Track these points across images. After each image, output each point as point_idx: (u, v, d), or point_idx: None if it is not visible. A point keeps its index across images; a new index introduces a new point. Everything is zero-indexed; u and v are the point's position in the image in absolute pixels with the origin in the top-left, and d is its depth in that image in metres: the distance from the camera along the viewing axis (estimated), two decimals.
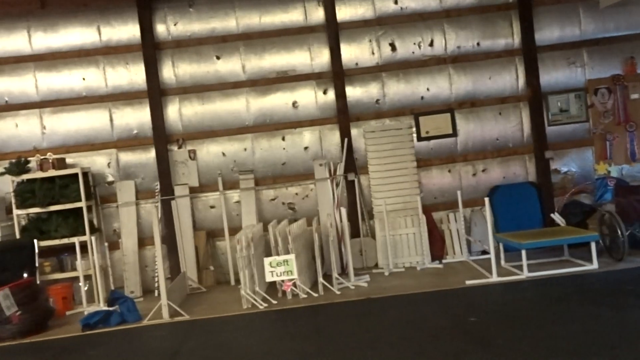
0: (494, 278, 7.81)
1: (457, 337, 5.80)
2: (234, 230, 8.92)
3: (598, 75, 9.53)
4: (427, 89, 9.65)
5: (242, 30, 9.56)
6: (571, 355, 5.06)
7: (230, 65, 9.56)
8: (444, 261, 9.20)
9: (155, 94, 9.39)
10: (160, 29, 9.52)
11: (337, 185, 9.47)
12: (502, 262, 8.47)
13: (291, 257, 6.67)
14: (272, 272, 6.67)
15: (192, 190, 9.46)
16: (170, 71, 9.54)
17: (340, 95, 9.51)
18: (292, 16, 9.59)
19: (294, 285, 7.68)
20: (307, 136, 9.64)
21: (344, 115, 9.52)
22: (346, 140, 9.45)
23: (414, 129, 9.58)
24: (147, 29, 9.40)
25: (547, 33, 9.59)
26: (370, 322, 6.63)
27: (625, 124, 9.42)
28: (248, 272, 7.69)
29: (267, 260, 6.98)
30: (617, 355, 4.93)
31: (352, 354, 5.67)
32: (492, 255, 7.93)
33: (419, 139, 9.63)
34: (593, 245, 7.82)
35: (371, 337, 6.10)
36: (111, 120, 9.54)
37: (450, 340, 5.75)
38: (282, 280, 7.50)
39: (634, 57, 9.48)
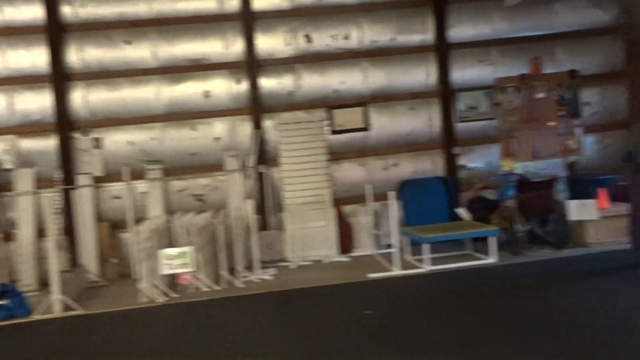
0: (397, 271, 7.88)
1: (350, 330, 5.81)
2: (140, 222, 8.66)
3: (507, 73, 9.74)
4: (342, 82, 9.64)
5: (154, 15, 9.28)
6: (459, 347, 5.13)
7: (140, 52, 9.28)
8: (352, 254, 9.24)
9: (59, 78, 9.03)
10: (67, 10, 9.14)
11: (248, 177, 9.35)
12: (407, 255, 8.57)
13: (189, 249, 6.52)
14: (168, 264, 6.51)
15: (97, 180, 9.15)
16: (76, 55, 9.18)
17: (254, 85, 9.39)
18: (207, 3, 9.39)
19: (196, 278, 7.53)
20: (219, 127, 9.48)
21: (256, 107, 9.40)
22: (258, 132, 9.34)
23: (328, 122, 9.56)
24: (52, 10, 9.01)
25: (460, 30, 9.75)
26: (268, 316, 6.57)
27: (531, 122, 9.66)
28: (148, 265, 7.49)
29: (162, 252, 6.80)
30: (505, 345, 5.03)
31: (246, 348, 5.59)
32: (395, 249, 8.01)
33: (332, 132, 9.62)
34: (492, 240, 8.01)
35: (266, 330, 6.04)
36: (10, 104, 9.10)
37: (341, 333, 5.75)
38: (181, 273, 7.34)
39: (539, 58, 9.74)
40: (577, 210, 7.29)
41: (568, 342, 5.00)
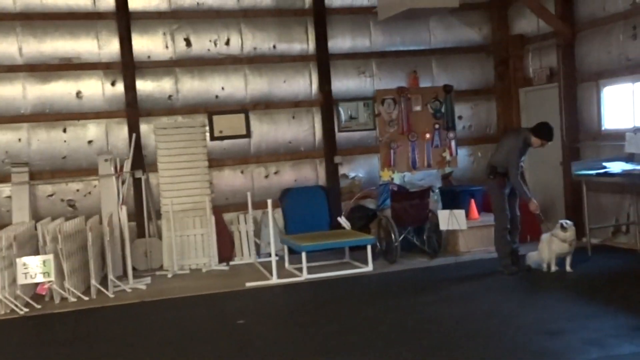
0: (274, 280, 7.84)
1: (219, 340, 5.70)
2: (3, 228, 8.09)
3: (385, 86, 9.99)
4: (222, 88, 9.50)
5: (20, 9, 8.72)
6: (324, 353, 5.16)
7: (4, 47, 8.69)
8: (231, 263, 9.10)
9: None
10: None
11: (123, 182, 8.98)
12: (287, 264, 8.56)
13: (49, 257, 6.15)
14: (26, 273, 6.10)
15: None
16: None
17: (130, 87, 9.04)
18: (79, 0, 8.95)
19: (61, 287, 7.12)
20: (92, 129, 9.05)
21: (133, 110, 9.06)
22: (134, 135, 9.00)
23: (207, 128, 9.38)
24: None
25: (340, 42, 9.88)
26: (135, 327, 6.32)
27: (408, 134, 9.97)
28: (8, 274, 6.98)
29: (20, 261, 6.37)
30: (367, 351, 5.10)
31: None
32: (273, 257, 7.97)
33: (212, 138, 9.44)
34: (369, 248, 8.16)
35: (130, 341, 5.81)
36: None
37: (209, 343, 5.63)
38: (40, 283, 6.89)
39: (416, 72, 10.08)
40: (447, 220, 7.56)
41: (428, 349, 5.15)
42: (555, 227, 7.23)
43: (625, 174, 7.50)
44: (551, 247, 7.25)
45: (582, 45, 8.96)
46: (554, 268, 7.28)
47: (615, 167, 7.73)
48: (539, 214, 7.51)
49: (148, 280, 8.26)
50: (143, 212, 9.07)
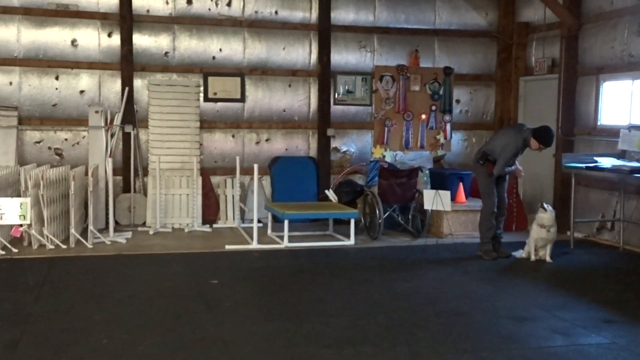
0: (254, 245, 7.82)
1: (188, 298, 5.69)
2: None
3: (385, 62, 9.88)
4: (220, 50, 9.39)
5: None
6: (291, 318, 5.15)
7: None
8: (215, 226, 9.08)
9: None
10: None
11: (113, 136, 8.93)
12: (269, 231, 8.53)
13: (26, 200, 6.09)
14: (1, 215, 6.04)
15: None
16: None
17: (127, 41, 8.93)
18: None
19: (41, 234, 7.09)
20: (85, 79, 8.96)
21: (127, 63, 8.96)
22: (127, 89, 8.92)
23: (202, 89, 9.30)
24: None
25: (343, 14, 9.76)
26: (107, 278, 6.29)
27: (404, 113, 9.89)
28: None
29: None
30: (331, 320, 5.08)
31: (72, 308, 5.32)
32: (255, 223, 7.94)
33: (206, 99, 9.37)
34: (352, 222, 8.13)
35: (99, 292, 5.78)
36: None
37: (178, 300, 5.61)
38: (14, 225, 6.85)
39: (418, 51, 9.96)
40: (432, 199, 7.50)
41: (396, 323, 5.14)
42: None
43: (614, 170, 7.44)
44: (531, 234, 7.23)
45: (586, 38, 8.84)
46: (533, 257, 7.26)
47: (606, 162, 7.66)
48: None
49: (129, 235, 8.24)
50: (130, 167, 9.03)
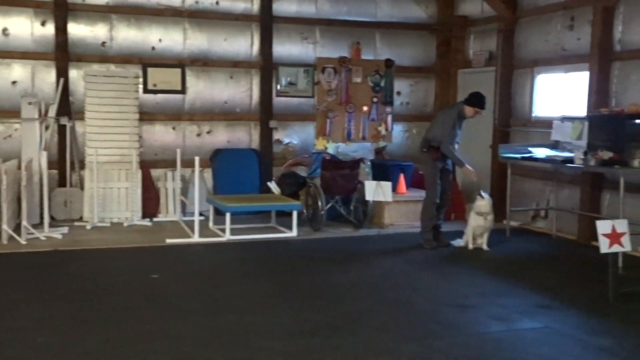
0: (196, 238, 7.73)
1: (129, 293, 5.58)
2: None
3: (327, 54, 9.90)
4: (160, 40, 9.21)
5: None
6: (231, 312, 5.11)
7: None
8: (155, 219, 8.93)
9: None
10: None
11: (47, 128, 8.64)
12: (211, 224, 8.45)
13: None
14: None
15: None
16: None
17: (61, 30, 8.65)
18: None
19: None
20: (17, 69, 8.64)
21: (62, 53, 8.69)
22: (62, 80, 8.65)
23: (141, 80, 9.10)
24: None
25: (286, 5, 9.72)
26: (43, 275, 6.11)
27: (346, 105, 9.94)
28: None
29: None
30: (273, 313, 5.08)
31: (10, 306, 5.14)
32: (196, 216, 7.86)
33: (145, 91, 9.18)
34: (294, 214, 8.14)
35: (35, 289, 5.61)
36: None
37: (119, 295, 5.50)
38: None
39: (360, 43, 10.02)
40: (373, 191, 7.59)
41: (337, 313, 5.18)
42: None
43: (548, 160, 7.69)
44: (469, 222, 7.41)
45: (522, 31, 9.09)
46: (471, 245, 7.44)
47: (540, 152, 7.91)
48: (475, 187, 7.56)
49: (65, 230, 8.01)
50: (66, 161, 8.77)
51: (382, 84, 10.12)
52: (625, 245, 4.98)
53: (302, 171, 9.77)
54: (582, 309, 5.37)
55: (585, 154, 7.08)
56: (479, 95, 7.38)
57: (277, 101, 9.78)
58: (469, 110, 7.36)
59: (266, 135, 9.73)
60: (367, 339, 4.59)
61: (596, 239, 5.15)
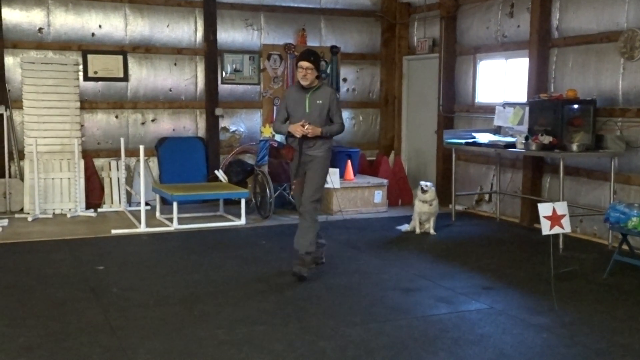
0: (142, 228, 7.61)
1: (72, 285, 5.46)
2: None
3: (272, 41, 9.84)
4: (100, 26, 8.97)
5: None
6: (176, 303, 5.06)
7: None
8: (100, 210, 8.74)
9: None
10: None
11: None
12: (157, 213, 8.33)
13: None
14: None
15: None
16: None
17: None
18: None
19: None
20: None
21: None
22: None
23: (81, 67, 8.86)
24: None
25: None
26: None
27: None
28: None
29: None
30: (223, 302, 5.06)
31: None
32: (142, 206, 7.73)
33: (86, 78, 8.94)
34: (242, 202, 8.09)
35: None
36: None
37: (62, 288, 5.38)
38: None
39: (305, 30, 9.99)
40: None
41: (286, 299, 5.19)
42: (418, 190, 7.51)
43: (490, 145, 7.86)
44: (415, 208, 7.53)
45: (464, 18, 9.23)
46: (418, 230, 7.56)
47: (483, 138, 8.08)
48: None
49: (5, 222, 7.77)
50: (4, 151, 8.48)
51: (328, 70, 10.12)
52: (566, 226, 5.13)
53: (249, 159, 9.74)
54: (524, 289, 5.53)
55: (526, 138, 7.26)
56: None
57: (223, 88, 9.67)
58: (296, 72, 6.15)
59: (212, 123, 9.62)
60: (313, 325, 4.61)
61: (538, 222, 5.29)
